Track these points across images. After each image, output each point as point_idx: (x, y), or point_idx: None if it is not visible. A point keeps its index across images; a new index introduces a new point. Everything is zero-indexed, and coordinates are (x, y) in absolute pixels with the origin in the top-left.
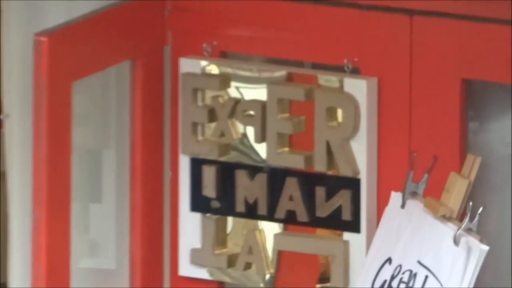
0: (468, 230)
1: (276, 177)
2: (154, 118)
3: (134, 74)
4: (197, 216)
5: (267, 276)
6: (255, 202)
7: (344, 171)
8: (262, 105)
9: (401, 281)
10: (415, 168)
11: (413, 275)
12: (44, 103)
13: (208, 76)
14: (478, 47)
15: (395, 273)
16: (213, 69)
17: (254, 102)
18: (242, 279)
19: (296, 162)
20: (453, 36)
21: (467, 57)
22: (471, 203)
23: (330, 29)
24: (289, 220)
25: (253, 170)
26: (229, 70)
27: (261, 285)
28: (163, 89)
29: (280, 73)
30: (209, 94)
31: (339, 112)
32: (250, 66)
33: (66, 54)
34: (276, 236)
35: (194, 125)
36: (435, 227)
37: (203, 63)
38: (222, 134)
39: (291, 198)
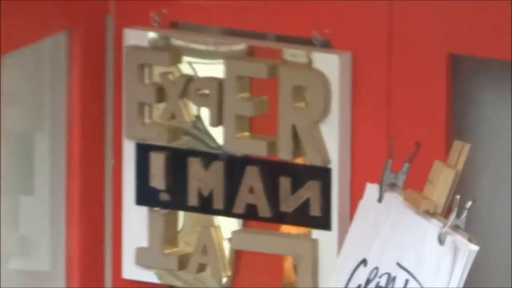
0: (455, 228)
1: (235, 166)
2: (94, 98)
3: (71, 47)
4: (144, 210)
5: (224, 280)
6: (210, 195)
7: (312, 159)
8: (219, 83)
9: (378, 285)
10: (394, 157)
11: (391, 279)
12: None
13: (156, 50)
14: (469, 17)
15: (371, 277)
16: (162, 41)
17: (209, 79)
18: (195, 283)
19: (257, 148)
20: (439, 5)
21: (455, 29)
22: (458, 197)
23: None
24: (249, 215)
25: (208, 157)
26: (180, 43)
27: None
28: (104, 64)
29: (240, 46)
30: (157, 70)
31: (307, 92)
32: (205, 39)
33: None
34: (234, 233)
35: (141, 105)
36: (416, 224)
37: (151, 34)
38: (172, 116)
39: (251, 190)
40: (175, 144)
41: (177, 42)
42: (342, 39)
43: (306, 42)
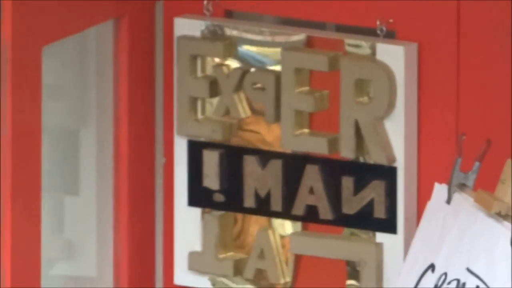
0: None
1: (294, 165)
2: (144, 92)
3: (118, 37)
4: (197, 212)
5: (283, 286)
6: (268, 196)
7: (376, 157)
8: (276, 77)
9: None
10: (464, 155)
11: (461, 286)
12: (8, 72)
13: (209, 41)
14: None
15: (439, 283)
16: (215, 31)
17: (265, 72)
18: None
19: (317, 146)
20: None
21: None
22: None
23: None
24: (309, 217)
25: (265, 156)
26: (235, 33)
27: None
28: (154, 56)
29: (298, 37)
30: (210, 62)
31: (371, 86)
32: (261, 29)
33: (34, 12)
34: (293, 236)
35: (193, 100)
36: (488, 227)
37: (203, 24)
38: (226, 112)
39: (311, 191)
40: (230, 142)
41: (231, 32)
42: (408, 29)
43: (369, 32)
